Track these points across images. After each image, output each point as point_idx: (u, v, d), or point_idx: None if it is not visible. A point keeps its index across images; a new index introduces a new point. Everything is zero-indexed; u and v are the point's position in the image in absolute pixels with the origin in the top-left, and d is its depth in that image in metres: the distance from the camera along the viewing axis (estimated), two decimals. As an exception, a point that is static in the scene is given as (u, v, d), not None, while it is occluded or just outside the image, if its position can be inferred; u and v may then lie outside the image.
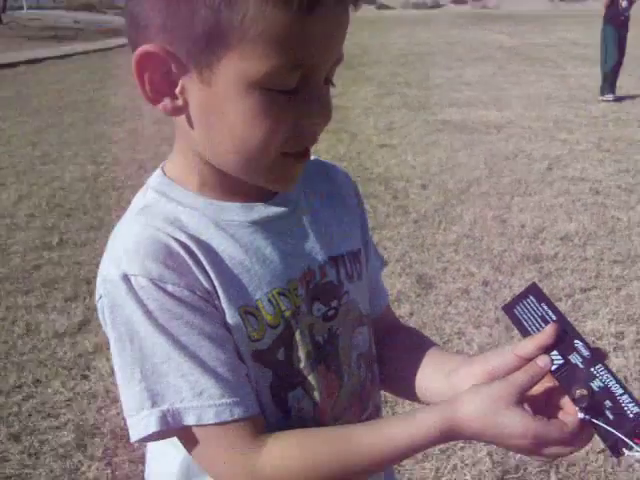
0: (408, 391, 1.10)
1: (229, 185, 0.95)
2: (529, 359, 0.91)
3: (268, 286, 0.95)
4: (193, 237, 0.91)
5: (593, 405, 0.82)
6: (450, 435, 0.89)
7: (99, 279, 0.92)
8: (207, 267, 0.91)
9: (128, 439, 0.94)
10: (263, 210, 0.97)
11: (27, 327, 3.84)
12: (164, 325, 0.88)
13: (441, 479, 2.71)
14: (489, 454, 2.80)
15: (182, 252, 0.89)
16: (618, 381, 0.83)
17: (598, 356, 0.88)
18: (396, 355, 1.15)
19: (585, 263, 4.57)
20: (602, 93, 10.75)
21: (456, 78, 13.69)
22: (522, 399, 0.87)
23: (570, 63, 15.79)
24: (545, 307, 0.93)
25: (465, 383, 0.96)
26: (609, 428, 0.81)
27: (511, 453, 2.82)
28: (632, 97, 10.89)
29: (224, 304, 0.91)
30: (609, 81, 10.76)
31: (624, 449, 0.80)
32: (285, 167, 0.92)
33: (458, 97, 11.33)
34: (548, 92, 11.70)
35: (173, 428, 0.89)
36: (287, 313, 0.95)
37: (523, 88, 12.20)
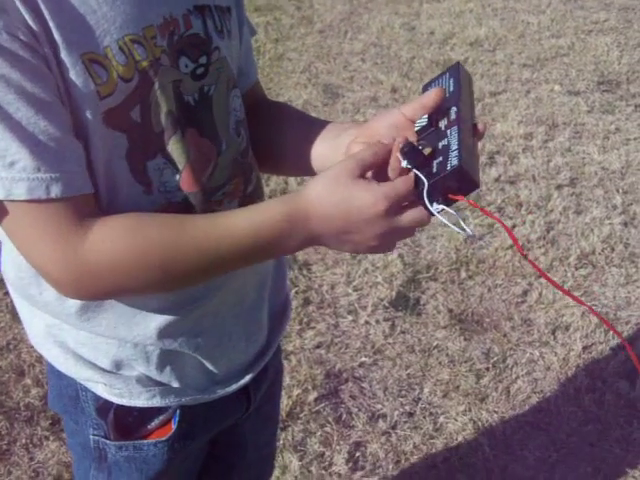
0: (300, 164, 0.98)
1: None
2: (412, 120, 0.85)
3: (119, 31, 0.78)
4: None
5: (416, 154, 0.76)
6: (297, 222, 0.78)
7: None
8: (40, 3, 0.72)
9: None
10: None
11: None
12: None
13: (352, 283, 2.67)
14: (400, 256, 2.77)
15: None
16: (461, 141, 0.75)
17: (471, 128, 0.80)
18: (281, 128, 1.03)
19: (495, 67, 4.45)
20: None
21: None
22: (363, 174, 0.78)
23: None
24: (451, 82, 0.84)
25: (348, 142, 0.87)
26: (421, 176, 0.74)
27: (422, 253, 2.80)
28: None
29: (63, 51, 0.74)
30: None
31: (435, 204, 0.74)
32: None
33: None
34: None
35: None
36: (143, 64, 0.80)
37: None
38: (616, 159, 3.44)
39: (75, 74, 0.75)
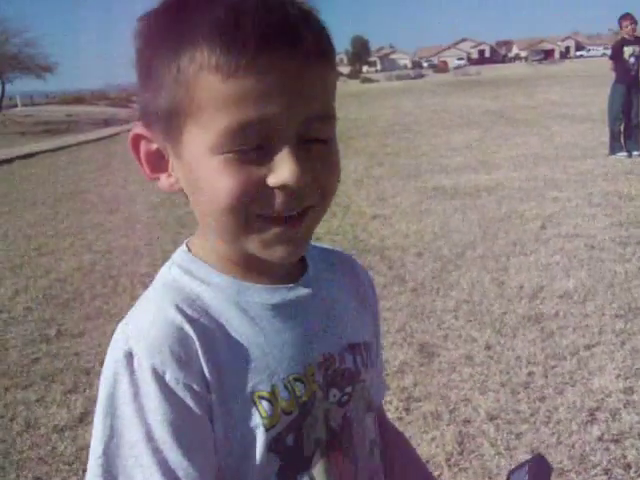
0: None
1: (249, 261, 0.93)
2: None
3: (285, 371, 0.93)
4: (212, 318, 0.90)
5: None
6: None
7: (111, 343, 0.90)
8: (221, 352, 0.89)
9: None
10: (286, 294, 0.96)
11: (26, 423, 3.75)
12: (145, 412, 0.85)
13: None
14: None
15: (195, 338, 0.87)
16: None
17: None
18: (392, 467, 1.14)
19: (587, 319, 4.53)
20: (613, 152, 10.84)
21: (443, 145, 13.90)
22: None
23: (553, 122, 16.08)
24: (526, 476, 0.95)
25: None
26: None
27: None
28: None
29: (235, 393, 0.89)
30: (616, 139, 10.92)
31: None
32: (264, 232, 0.88)
33: (447, 163, 11.47)
34: (535, 152, 11.85)
35: None
36: (303, 399, 0.94)
37: (510, 150, 12.36)
38: None
39: (245, 411, 0.89)
